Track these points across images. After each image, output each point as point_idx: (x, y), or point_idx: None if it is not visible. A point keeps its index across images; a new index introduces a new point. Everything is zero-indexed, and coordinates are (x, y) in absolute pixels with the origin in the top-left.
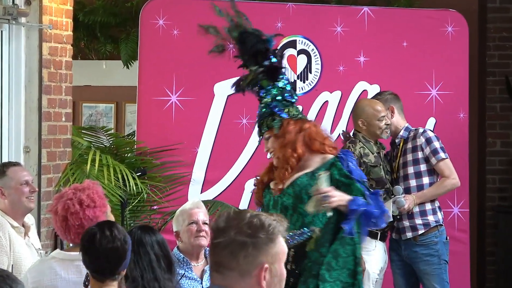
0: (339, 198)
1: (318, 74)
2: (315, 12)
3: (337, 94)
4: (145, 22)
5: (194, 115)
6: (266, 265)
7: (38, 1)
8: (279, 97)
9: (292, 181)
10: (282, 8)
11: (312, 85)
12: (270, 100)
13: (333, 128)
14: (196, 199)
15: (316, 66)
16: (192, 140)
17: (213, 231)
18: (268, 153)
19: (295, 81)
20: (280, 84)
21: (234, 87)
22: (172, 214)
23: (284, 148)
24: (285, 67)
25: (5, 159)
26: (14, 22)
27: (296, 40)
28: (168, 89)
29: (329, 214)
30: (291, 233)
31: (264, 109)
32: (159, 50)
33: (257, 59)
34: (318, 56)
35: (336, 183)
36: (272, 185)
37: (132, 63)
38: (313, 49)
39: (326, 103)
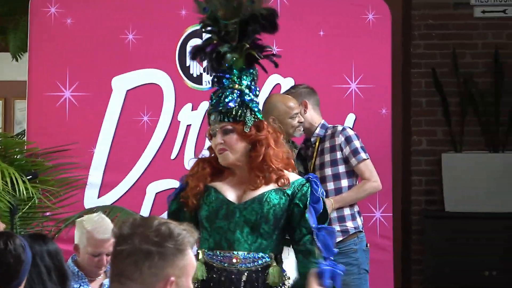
0: None
1: None
2: None
3: None
4: (35, 10)
5: (90, 112)
6: (172, 278)
7: None
8: (249, 92)
9: (259, 196)
10: None
11: None
12: (244, 88)
13: None
14: (107, 222)
15: None
16: (88, 140)
17: (116, 238)
18: (216, 148)
19: (201, 74)
20: (253, 73)
21: (193, 51)
22: (66, 221)
23: (269, 151)
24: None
25: None
26: None
27: None
28: (61, 84)
29: None
30: (245, 254)
31: (232, 96)
32: (51, 41)
33: (247, 30)
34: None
35: (292, 206)
36: (231, 190)
37: (22, 55)
38: None
39: None
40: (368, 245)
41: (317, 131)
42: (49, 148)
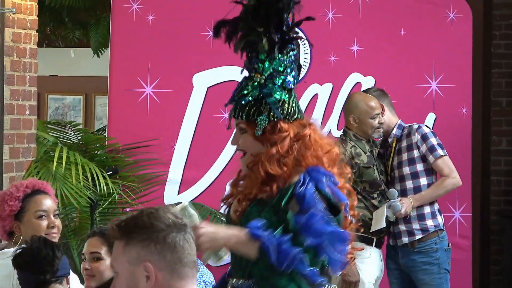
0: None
1: (307, 65)
2: None
3: (328, 86)
4: (117, 6)
5: (171, 109)
6: None
7: None
8: (278, 79)
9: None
10: None
11: (301, 76)
12: (264, 80)
13: (323, 125)
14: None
15: (305, 55)
16: (169, 136)
17: None
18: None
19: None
20: (284, 59)
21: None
22: None
23: (270, 161)
24: (300, 37)
25: None
26: None
27: None
28: (142, 80)
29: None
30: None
31: (252, 90)
32: (132, 37)
33: (268, 16)
34: (307, 44)
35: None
36: (233, 205)
37: (103, 51)
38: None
39: (315, 96)
40: (450, 244)
41: (394, 131)
42: (129, 144)
